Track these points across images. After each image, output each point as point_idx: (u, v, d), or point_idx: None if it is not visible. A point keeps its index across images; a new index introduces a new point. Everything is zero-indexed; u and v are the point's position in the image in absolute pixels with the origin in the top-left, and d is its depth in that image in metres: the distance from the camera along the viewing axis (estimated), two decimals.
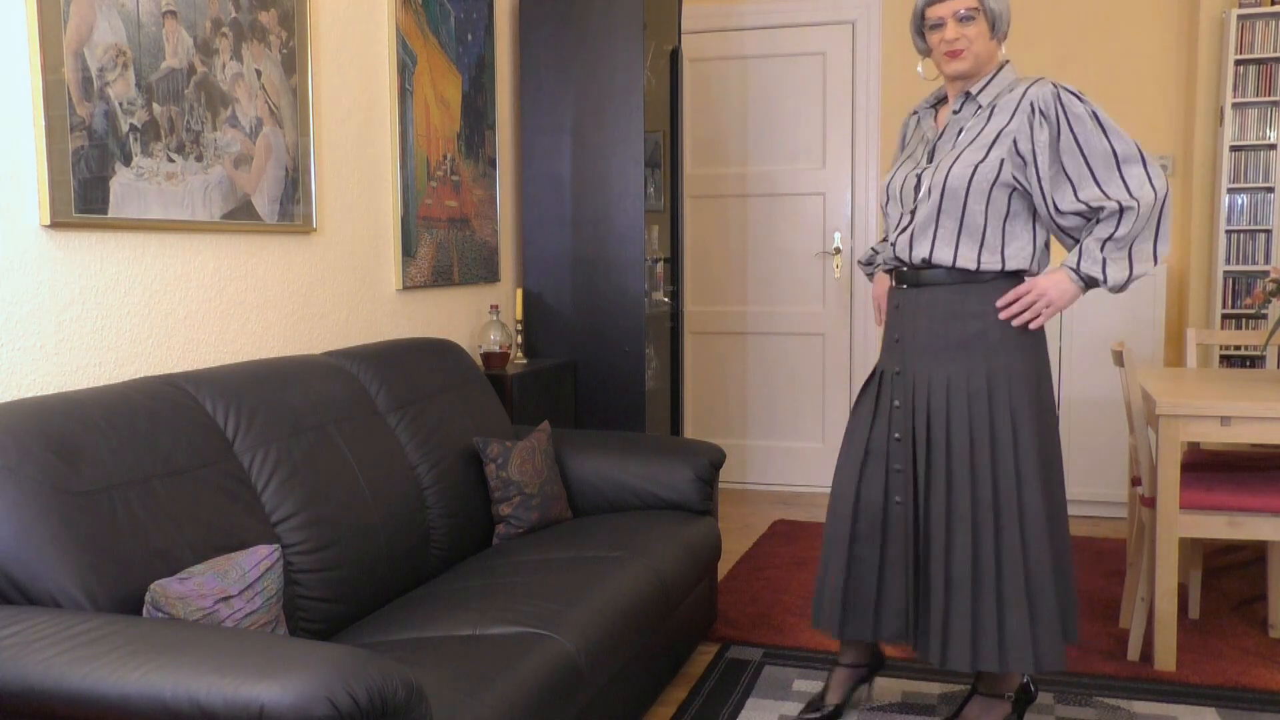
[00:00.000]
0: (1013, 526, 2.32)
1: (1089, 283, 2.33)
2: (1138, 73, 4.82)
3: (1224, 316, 4.47)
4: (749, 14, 5.22)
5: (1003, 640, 2.32)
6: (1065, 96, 2.28)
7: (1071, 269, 2.33)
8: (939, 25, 2.35)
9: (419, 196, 3.46)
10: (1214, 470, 3.25)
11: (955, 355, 2.37)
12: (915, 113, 2.58)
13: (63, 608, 1.72)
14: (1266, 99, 4.36)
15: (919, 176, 2.41)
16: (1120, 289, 2.34)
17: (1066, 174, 2.30)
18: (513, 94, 4.19)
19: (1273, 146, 4.39)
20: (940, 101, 2.52)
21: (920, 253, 2.38)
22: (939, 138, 2.43)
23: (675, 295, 4.47)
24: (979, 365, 2.35)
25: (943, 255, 2.36)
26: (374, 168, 3.25)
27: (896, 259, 2.46)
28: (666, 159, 4.43)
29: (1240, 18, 4.35)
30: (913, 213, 2.40)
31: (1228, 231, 4.45)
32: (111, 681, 1.45)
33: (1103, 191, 2.28)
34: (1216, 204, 4.50)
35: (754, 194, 5.29)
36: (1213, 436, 2.91)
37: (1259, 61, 4.36)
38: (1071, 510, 4.78)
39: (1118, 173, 2.27)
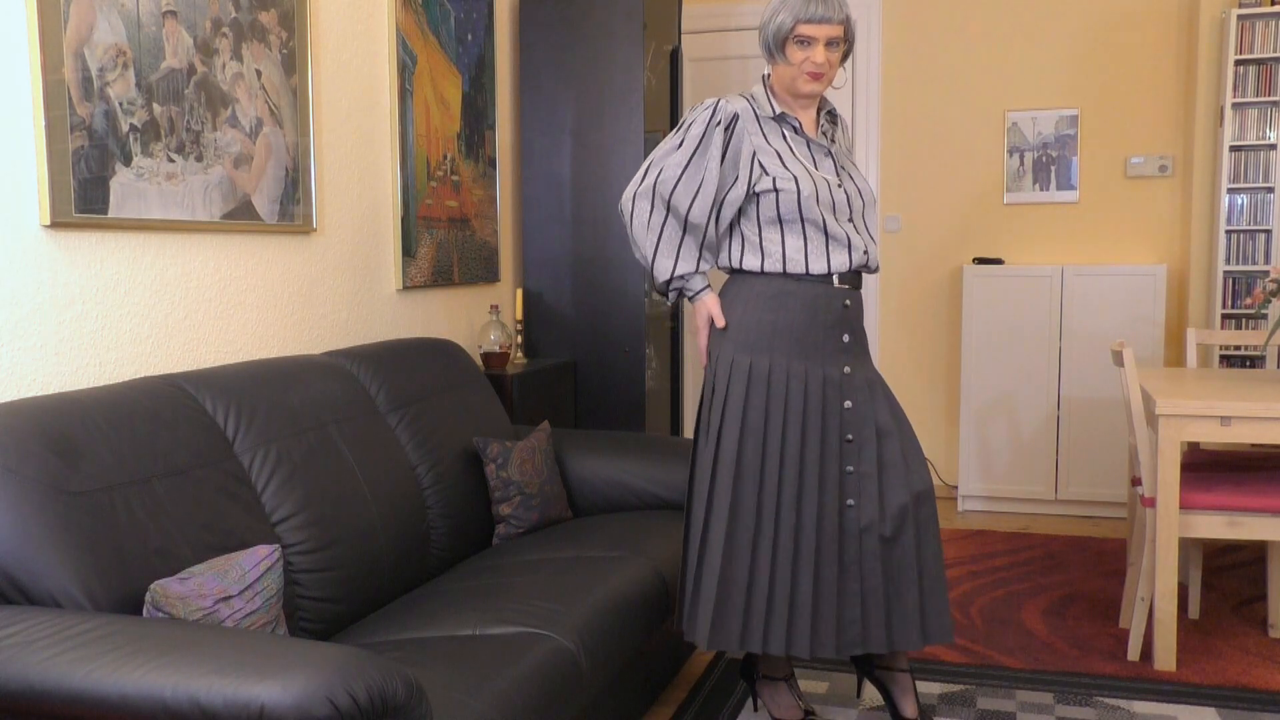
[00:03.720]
0: (930, 510, 2.47)
1: None
2: (1138, 73, 4.82)
3: (1224, 316, 4.47)
4: (749, 14, 5.22)
5: (936, 617, 2.47)
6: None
7: None
8: (807, 43, 2.37)
9: (419, 196, 3.46)
10: (1214, 470, 3.25)
11: (867, 351, 2.55)
12: (782, 114, 2.47)
13: (63, 608, 1.72)
14: (1266, 99, 4.36)
15: (844, 189, 2.49)
16: None
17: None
18: (513, 94, 4.19)
19: (1273, 146, 4.39)
20: (775, 112, 2.49)
21: (878, 258, 2.58)
22: (829, 149, 2.52)
23: None
24: (872, 363, 2.58)
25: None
26: (374, 168, 3.25)
27: (865, 264, 2.50)
28: None
29: (1240, 18, 4.35)
30: (850, 220, 2.50)
31: (1228, 231, 4.45)
32: (111, 681, 1.45)
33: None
34: (1216, 204, 4.50)
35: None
36: (1213, 436, 2.91)
37: (1259, 61, 4.36)
38: (1071, 510, 4.78)
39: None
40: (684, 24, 5.27)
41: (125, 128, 2.28)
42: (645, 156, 4.02)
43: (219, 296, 2.61)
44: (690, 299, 2.52)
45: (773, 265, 2.45)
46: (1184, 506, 2.97)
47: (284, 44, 2.78)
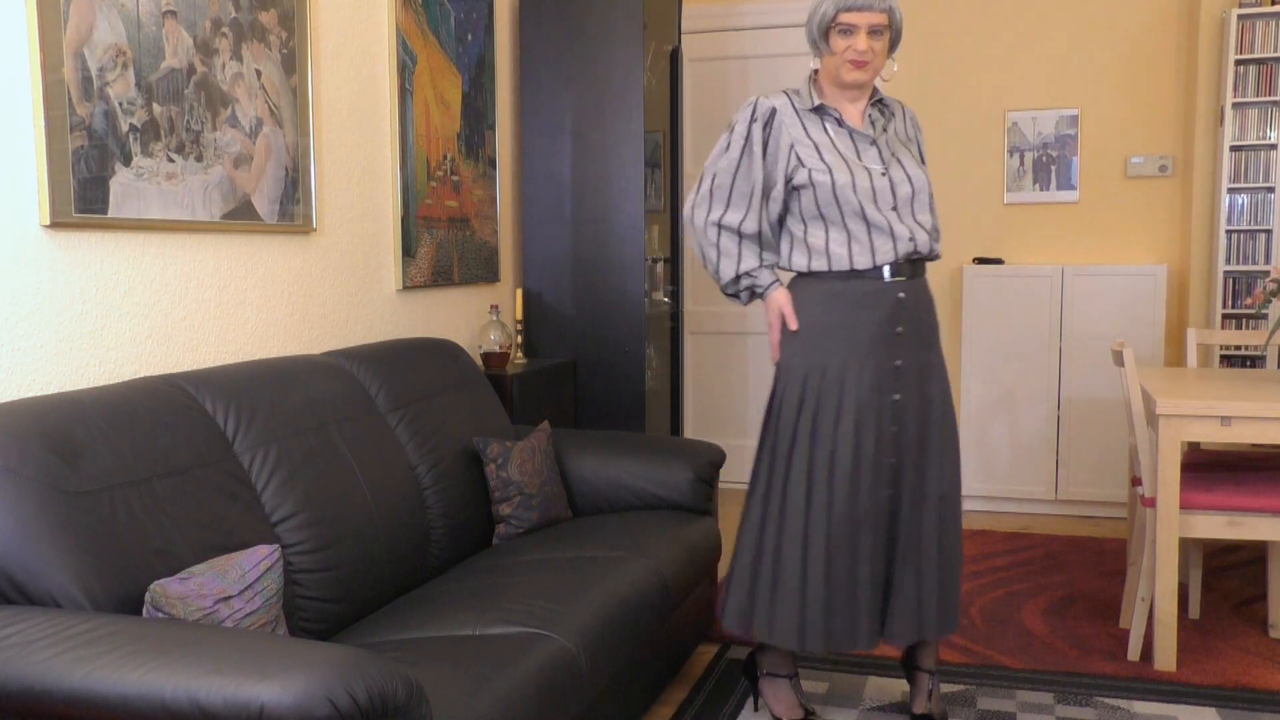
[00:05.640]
0: (955, 501, 2.53)
1: None
2: (1138, 73, 4.82)
3: (1224, 316, 4.47)
4: (749, 14, 5.22)
5: (951, 607, 2.54)
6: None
7: None
8: (849, 31, 2.38)
9: (419, 196, 3.46)
10: (1214, 470, 3.25)
11: (933, 340, 2.53)
12: (820, 106, 2.47)
13: (63, 608, 1.72)
14: (1266, 99, 4.36)
15: (887, 175, 2.45)
16: None
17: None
18: (513, 94, 4.19)
19: (1273, 146, 4.39)
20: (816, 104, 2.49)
21: (937, 246, 2.53)
22: (874, 138, 2.49)
23: (675, 295, 4.47)
24: (940, 348, 2.57)
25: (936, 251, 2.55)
26: (374, 168, 3.25)
27: (913, 252, 2.46)
28: (666, 159, 4.43)
29: (1240, 18, 4.35)
30: (897, 210, 2.45)
31: (1228, 231, 4.45)
32: (111, 681, 1.45)
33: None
34: (1216, 204, 4.50)
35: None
36: (1213, 436, 2.91)
37: (1259, 61, 4.36)
38: (1071, 510, 4.78)
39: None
40: (684, 24, 5.27)
41: (125, 128, 2.28)
42: (645, 156, 4.03)
43: (219, 296, 2.61)
44: (761, 295, 2.54)
45: (819, 263, 2.46)
46: (1184, 506, 2.97)
47: (284, 44, 2.78)
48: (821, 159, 2.43)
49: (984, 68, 4.99)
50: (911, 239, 2.44)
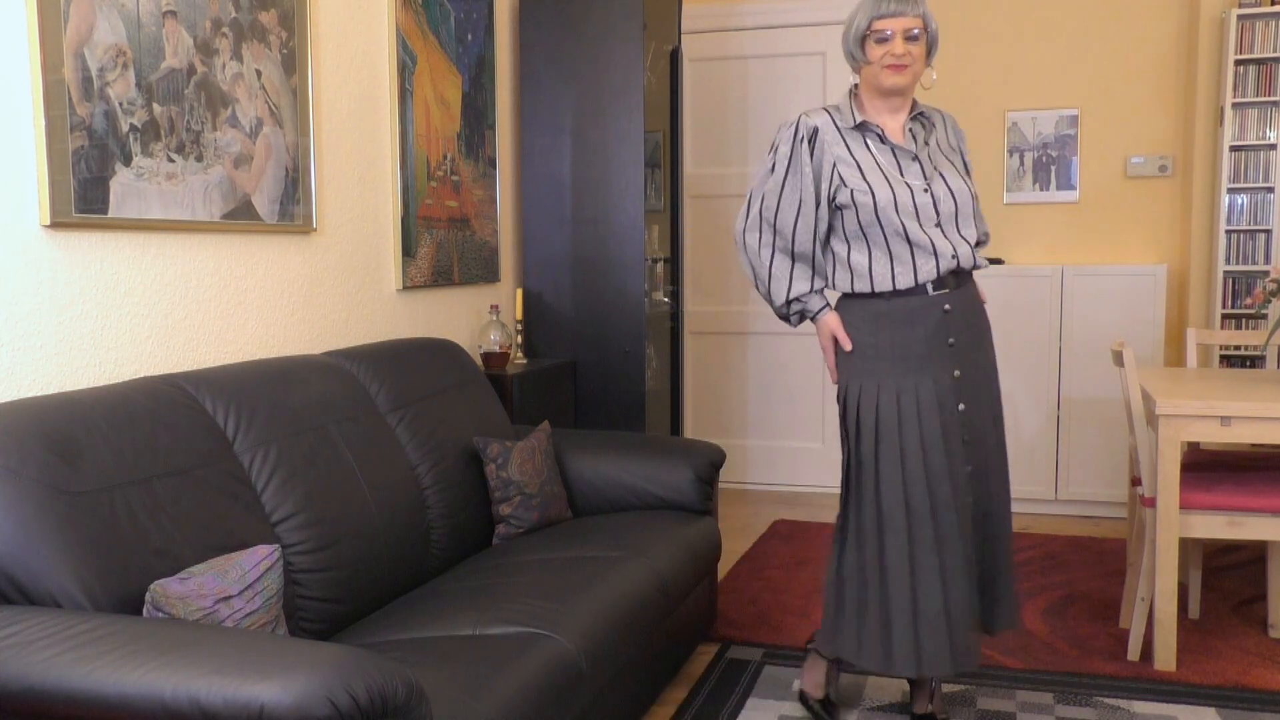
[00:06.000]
0: (1005, 499, 2.59)
1: None
2: (1138, 73, 4.82)
3: (1224, 316, 4.47)
4: (749, 14, 5.22)
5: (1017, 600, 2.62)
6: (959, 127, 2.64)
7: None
8: (886, 39, 2.39)
9: (419, 196, 3.46)
10: (1214, 470, 3.25)
11: (983, 342, 2.57)
12: (863, 123, 2.46)
13: (63, 608, 1.72)
14: (1266, 99, 4.36)
15: (929, 192, 2.44)
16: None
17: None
18: (513, 94, 4.19)
19: (1273, 146, 4.39)
20: (857, 120, 2.48)
21: (981, 258, 2.54)
22: (916, 153, 2.48)
23: (675, 295, 4.47)
24: (991, 348, 2.59)
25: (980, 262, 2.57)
26: (374, 168, 3.25)
27: (955, 268, 2.46)
28: (666, 159, 4.43)
29: (1240, 18, 4.35)
30: (939, 226, 2.45)
31: (1228, 231, 4.45)
32: (111, 681, 1.45)
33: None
34: (1216, 204, 4.50)
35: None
36: (1213, 436, 2.91)
37: (1259, 61, 4.36)
38: (1071, 510, 4.78)
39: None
40: (684, 24, 5.27)
41: (125, 128, 2.28)
42: (645, 156, 4.03)
43: (219, 296, 2.61)
44: (812, 319, 2.56)
45: (862, 285, 2.47)
46: (1184, 506, 2.97)
47: (284, 44, 2.78)
48: (864, 178, 2.43)
49: (984, 68, 4.99)
50: (954, 255, 2.44)
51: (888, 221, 2.41)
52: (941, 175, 2.47)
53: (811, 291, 2.52)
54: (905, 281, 2.43)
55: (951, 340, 2.46)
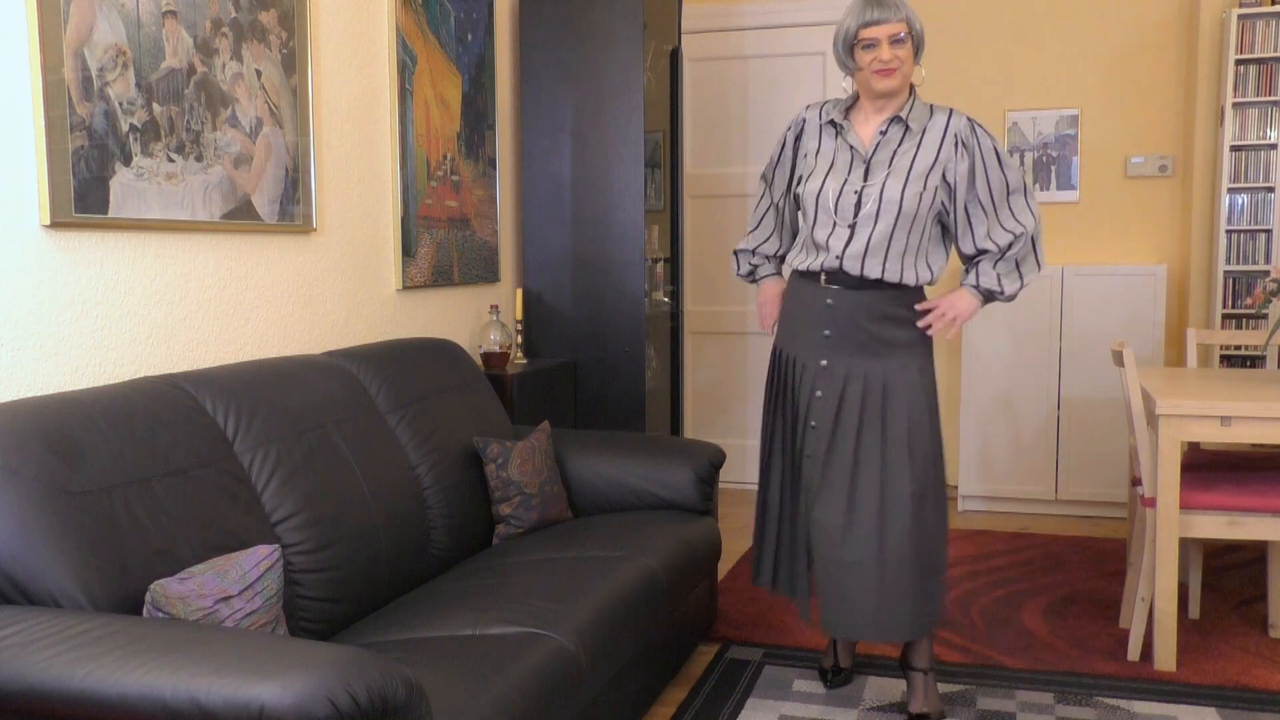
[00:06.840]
0: (904, 507, 2.56)
1: (988, 296, 2.65)
2: (1138, 73, 4.82)
3: (1224, 316, 4.47)
4: (749, 14, 5.22)
5: (914, 610, 2.59)
6: (979, 131, 2.60)
7: (973, 287, 2.65)
8: (872, 45, 2.52)
9: (419, 196, 3.46)
10: (1214, 470, 3.25)
11: (880, 353, 2.60)
12: (831, 120, 2.66)
13: (63, 608, 1.72)
14: (1266, 99, 4.36)
15: (858, 194, 2.56)
16: (1014, 298, 2.67)
17: (980, 206, 2.60)
18: (513, 94, 4.19)
19: (1273, 146, 4.39)
20: (848, 113, 2.67)
21: (872, 272, 2.58)
22: (871, 156, 2.59)
23: (675, 295, 4.47)
24: (896, 364, 2.60)
25: (891, 273, 2.59)
26: (374, 168, 3.25)
27: (839, 268, 2.60)
28: (666, 159, 4.43)
29: (1240, 18, 4.35)
30: (851, 227, 2.57)
31: (1228, 231, 4.45)
32: (111, 681, 1.45)
33: (1002, 227, 2.60)
34: (1216, 204, 4.50)
35: (754, 193, 5.28)
36: (1213, 436, 2.91)
37: (1259, 61, 4.36)
38: (1071, 510, 4.78)
39: (1007, 203, 2.61)
40: (684, 24, 5.27)
41: (125, 128, 2.28)
42: (645, 156, 4.03)
43: (219, 296, 2.61)
44: (755, 282, 2.90)
45: (793, 261, 2.75)
46: (1184, 506, 2.97)
47: (284, 44, 2.78)
48: (814, 168, 2.64)
49: (984, 68, 4.99)
50: (838, 257, 2.58)
51: (817, 210, 2.61)
52: (884, 181, 2.56)
53: (774, 257, 2.85)
54: (804, 266, 2.67)
55: (827, 333, 2.62)
